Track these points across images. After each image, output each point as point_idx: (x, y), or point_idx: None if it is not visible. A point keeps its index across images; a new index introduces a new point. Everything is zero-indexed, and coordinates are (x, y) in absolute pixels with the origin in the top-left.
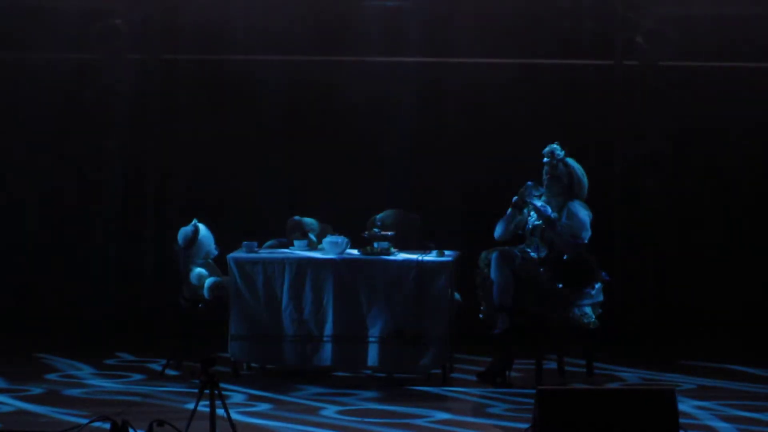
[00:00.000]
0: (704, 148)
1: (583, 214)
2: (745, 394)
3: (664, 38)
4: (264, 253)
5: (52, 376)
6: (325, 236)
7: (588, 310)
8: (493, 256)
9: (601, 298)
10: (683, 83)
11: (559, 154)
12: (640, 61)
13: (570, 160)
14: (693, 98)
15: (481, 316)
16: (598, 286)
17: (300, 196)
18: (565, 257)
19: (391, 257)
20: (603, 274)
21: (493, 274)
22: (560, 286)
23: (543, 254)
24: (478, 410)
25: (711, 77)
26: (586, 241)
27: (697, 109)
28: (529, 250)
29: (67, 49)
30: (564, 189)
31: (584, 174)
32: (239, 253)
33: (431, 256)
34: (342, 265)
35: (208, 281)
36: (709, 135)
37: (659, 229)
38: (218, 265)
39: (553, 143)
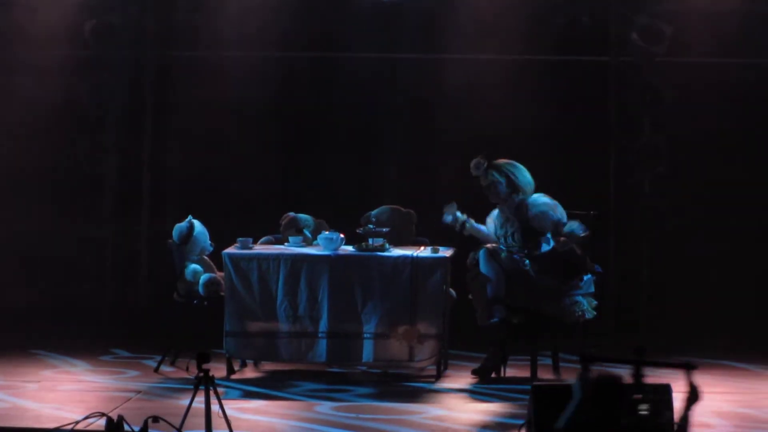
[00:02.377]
0: (699, 144)
1: (542, 203)
2: (742, 391)
3: (659, 34)
4: (259, 249)
5: (47, 372)
6: (320, 232)
7: (579, 299)
8: (481, 252)
9: (591, 289)
10: (678, 79)
11: (482, 164)
12: (635, 57)
13: (499, 163)
14: (688, 94)
15: (478, 323)
16: (587, 277)
17: (295, 193)
18: (544, 249)
19: (386, 253)
20: (596, 267)
21: (483, 269)
22: (546, 278)
23: (524, 250)
24: (473, 406)
25: (706, 73)
26: (564, 220)
27: (692, 105)
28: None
29: (62, 46)
30: (508, 191)
31: (520, 167)
32: (234, 250)
33: (426, 253)
34: (337, 261)
35: (203, 277)
36: (704, 130)
37: (655, 224)
38: (213, 261)
39: (479, 157)
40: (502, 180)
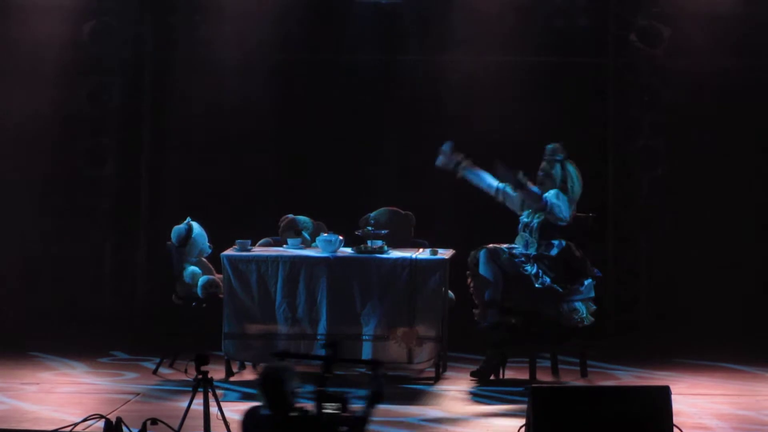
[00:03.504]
0: (698, 145)
1: (562, 200)
2: (741, 393)
3: (657, 36)
4: (257, 251)
5: (46, 375)
6: (318, 234)
7: (578, 305)
8: (481, 253)
9: (592, 294)
10: (677, 81)
11: (558, 156)
12: (634, 58)
13: (569, 165)
14: (687, 95)
15: (476, 319)
16: (587, 282)
17: (293, 194)
18: (553, 253)
19: (385, 255)
20: (596, 271)
21: (482, 270)
22: (548, 281)
23: (532, 250)
24: (472, 408)
25: (704, 74)
26: (561, 215)
27: (690, 106)
28: (516, 246)
29: (61, 47)
30: (556, 189)
31: (579, 179)
32: (233, 252)
33: (425, 255)
34: (335, 263)
35: (202, 279)
36: (702, 132)
37: (653, 226)
38: (212, 263)
39: (557, 142)
40: (558, 178)
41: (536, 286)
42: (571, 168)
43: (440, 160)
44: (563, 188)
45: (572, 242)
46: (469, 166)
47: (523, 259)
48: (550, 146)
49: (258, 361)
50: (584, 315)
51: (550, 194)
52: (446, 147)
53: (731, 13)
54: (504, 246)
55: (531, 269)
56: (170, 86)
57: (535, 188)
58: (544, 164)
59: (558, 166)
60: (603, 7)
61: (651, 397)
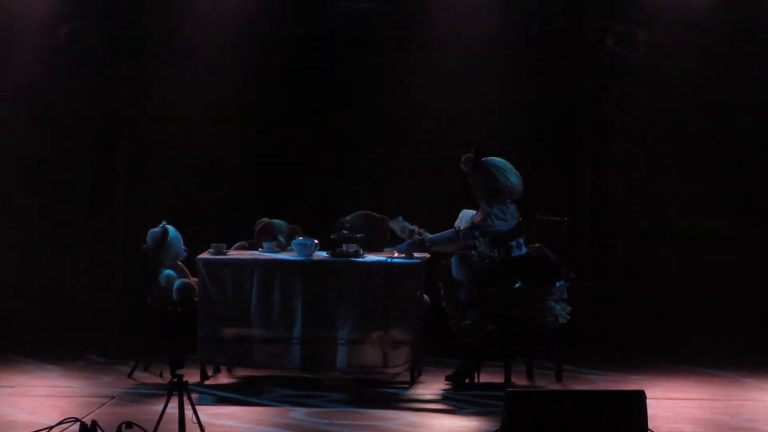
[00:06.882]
0: (674, 149)
1: (501, 163)
2: (715, 396)
3: (634, 40)
4: (233, 254)
5: (21, 377)
6: (294, 238)
7: (552, 304)
8: (453, 259)
9: (565, 295)
10: (653, 84)
11: (471, 161)
12: (611, 62)
13: (487, 162)
14: (663, 99)
15: (451, 324)
16: (560, 283)
17: (269, 198)
18: (514, 254)
19: (360, 259)
20: (571, 274)
21: (455, 273)
22: (519, 284)
23: (495, 254)
24: (447, 412)
25: (681, 78)
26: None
27: (667, 110)
28: (481, 251)
29: (36, 52)
30: (490, 193)
31: (507, 170)
32: (208, 255)
33: (400, 259)
34: (311, 266)
35: (177, 283)
36: (678, 136)
37: (628, 230)
38: (187, 266)
39: (469, 153)
40: (483, 182)
41: (508, 287)
42: (492, 162)
43: (395, 227)
44: (500, 191)
45: (543, 244)
46: (426, 239)
47: (493, 261)
48: (461, 164)
49: (233, 364)
50: (558, 312)
51: (476, 216)
52: (399, 221)
53: (708, 18)
54: (473, 251)
55: (503, 271)
56: (146, 90)
57: (440, 235)
58: (469, 178)
59: (477, 173)
60: (579, 11)
61: (626, 402)
